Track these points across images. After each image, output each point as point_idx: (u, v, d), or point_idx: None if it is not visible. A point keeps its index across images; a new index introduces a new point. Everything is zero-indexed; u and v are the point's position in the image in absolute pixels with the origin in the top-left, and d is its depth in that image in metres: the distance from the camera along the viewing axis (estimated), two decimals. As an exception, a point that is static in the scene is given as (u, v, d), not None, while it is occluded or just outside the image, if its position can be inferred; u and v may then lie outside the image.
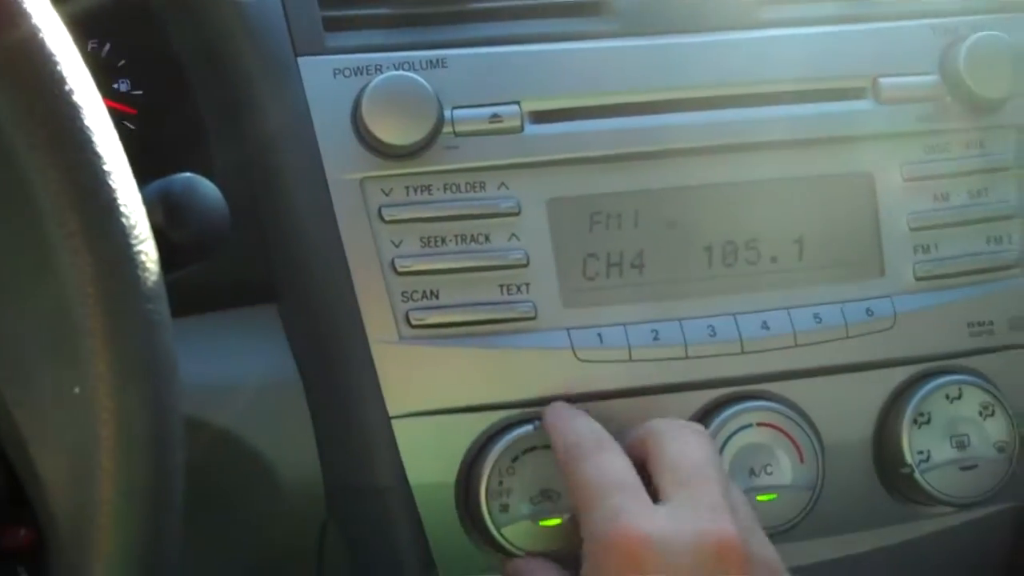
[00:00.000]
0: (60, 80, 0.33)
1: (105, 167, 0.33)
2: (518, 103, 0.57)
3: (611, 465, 0.50)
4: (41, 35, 0.33)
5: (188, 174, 0.44)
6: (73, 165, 0.32)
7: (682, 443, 0.51)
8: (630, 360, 0.56)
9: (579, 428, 0.52)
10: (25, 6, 0.33)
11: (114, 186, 0.33)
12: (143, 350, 0.33)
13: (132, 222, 0.33)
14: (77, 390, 0.32)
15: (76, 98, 0.33)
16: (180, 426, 0.34)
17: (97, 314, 0.32)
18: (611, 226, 0.57)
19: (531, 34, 0.58)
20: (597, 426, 0.52)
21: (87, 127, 0.33)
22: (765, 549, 0.49)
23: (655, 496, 0.49)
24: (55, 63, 0.33)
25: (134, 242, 0.33)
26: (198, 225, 0.41)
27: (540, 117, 0.57)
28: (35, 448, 0.33)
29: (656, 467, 0.50)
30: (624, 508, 0.47)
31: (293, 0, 0.57)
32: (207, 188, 0.44)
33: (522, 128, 0.56)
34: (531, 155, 0.56)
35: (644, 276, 0.57)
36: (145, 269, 0.34)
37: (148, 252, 0.34)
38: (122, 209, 0.33)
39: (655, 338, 0.56)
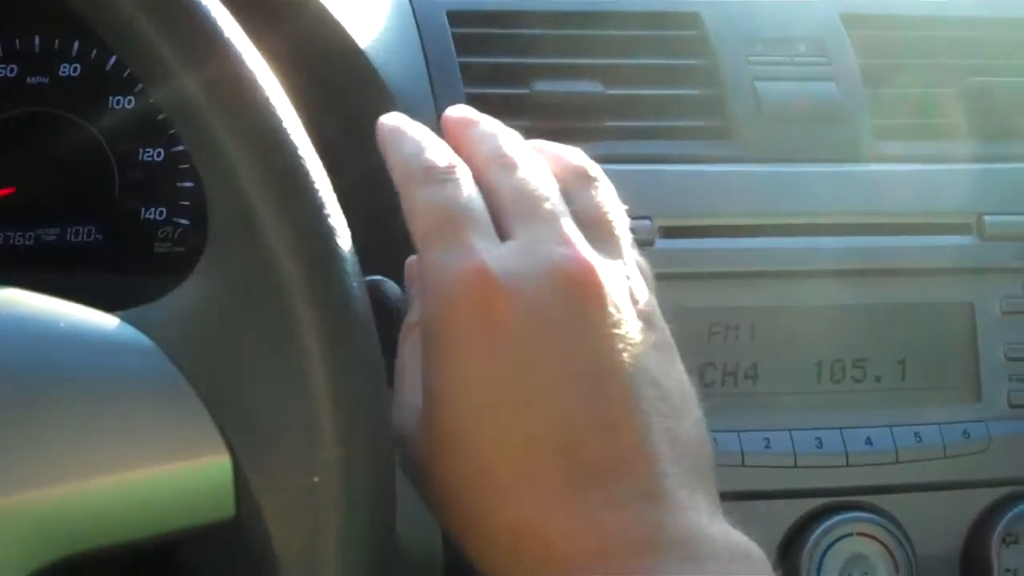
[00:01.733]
0: (323, 203, 0.37)
1: (353, 283, 0.37)
2: (650, 218, 0.61)
3: (462, 195, 0.44)
4: (315, 183, 0.38)
5: (377, 276, 0.48)
6: (329, 282, 0.37)
7: (522, 174, 0.45)
8: (742, 465, 0.59)
9: (424, 147, 0.46)
10: (277, 109, 0.38)
11: (358, 299, 0.37)
12: (374, 450, 0.37)
13: (369, 330, 0.38)
14: (316, 479, 0.36)
15: (333, 220, 0.37)
16: (395, 511, 0.39)
17: (341, 418, 0.36)
18: (729, 338, 0.61)
19: (664, 155, 0.63)
20: (442, 145, 0.47)
21: (342, 247, 0.37)
22: (639, 291, 0.44)
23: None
24: (317, 188, 0.37)
25: (372, 350, 0.38)
26: (382, 324, 0.44)
27: (670, 233, 0.61)
28: (274, 528, 0.37)
29: (495, 202, 0.44)
30: (476, 244, 0.42)
31: (444, 101, 0.62)
32: (392, 289, 0.48)
33: (653, 242, 0.61)
34: (659, 267, 0.60)
35: (757, 387, 0.61)
36: (379, 375, 0.38)
37: (380, 358, 0.38)
38: (363, 321, 0.37)
39: (766, 446, 0.60)
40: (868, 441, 0.61)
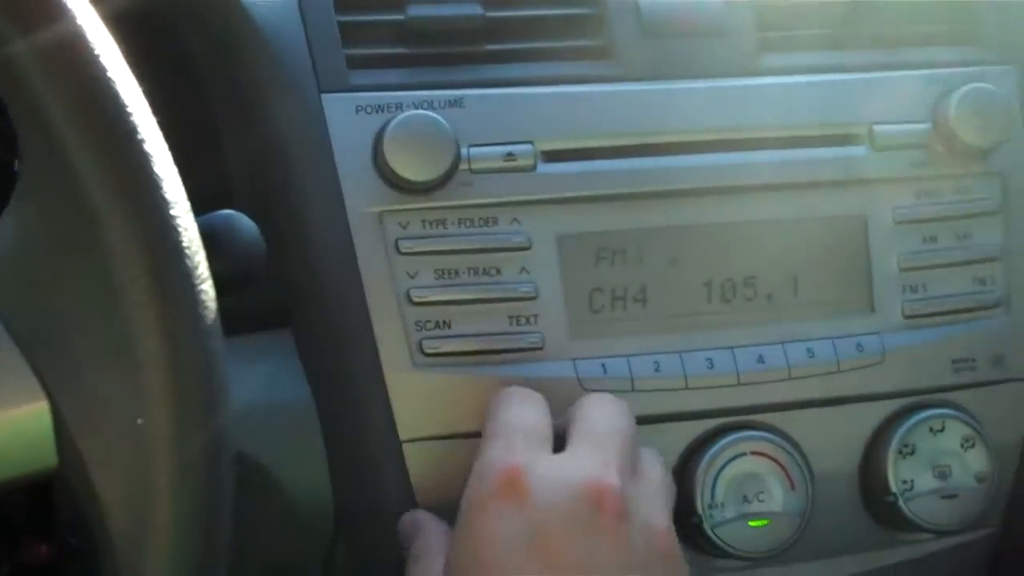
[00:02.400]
0: (134, 128, 0.35)
1: (172, 211, 0.35)
2: (531, 143, 0.59)
3: (530, 414, 0.53)
4: (115, 84, 0.35)
5: (229, 211, 0.46)
6: (144, 209, 0.35)
7: (599, 409, 0.53)
8: (632, 390, 0.58)
9: (519, 389, 0.55)
10: (96, 51, 0.36)
11: (180, 229, 0.36)
12: (203, 385, 0.35)
13: (195, 262, 0.36)
14: (140, 421, 0.35)
15: (147, 146, 0.35)
16: (231, 452, 0.37)
17: (162, 351, 0.34)
18: (616, 262, 0.60)
19: (544, 76, 0.61)
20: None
21: (157, 173, 0.35)
22: (656, 520, 0.50)
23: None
24: (129, 112, 0.35)
25: (197, 282, 0.36)
26: (237, 260, 0.43)
27: (552, 156, 0.59)
28: (96, 473, 0.35)
29: (571, 428, 0.53)
30: (523, 448, 0.50)
31: (318, 39, 0.60)
32: (246, 224, 0.46)
33: (535, 167, 0.59)
34: (542, 193, 0.59)
35: (646, 310, 0.60)
36: (206, 307, 0.36)
37: (208, 291, 0.36)
38: (187, 251, 0.36)
39: (656, 369, 0.59)
40: (760, 359, 0.60)
